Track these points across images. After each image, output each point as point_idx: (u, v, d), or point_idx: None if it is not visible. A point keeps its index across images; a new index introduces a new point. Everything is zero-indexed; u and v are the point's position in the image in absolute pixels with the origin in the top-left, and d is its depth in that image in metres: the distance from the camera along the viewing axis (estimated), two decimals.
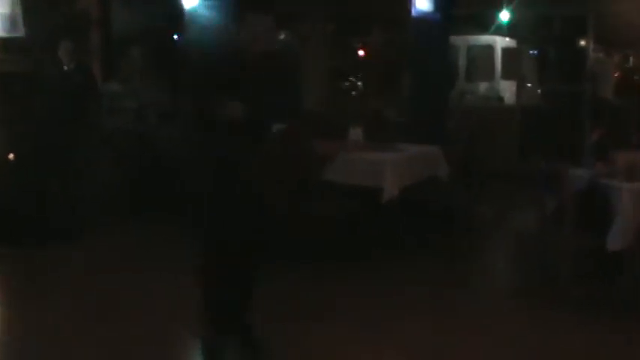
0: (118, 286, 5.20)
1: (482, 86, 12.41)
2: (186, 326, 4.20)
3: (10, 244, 6.12)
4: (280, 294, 4.91)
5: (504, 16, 11.35)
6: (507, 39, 12.55)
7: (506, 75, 12.37)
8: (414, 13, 9.03)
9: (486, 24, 11.86)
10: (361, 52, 11.04)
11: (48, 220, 6.42)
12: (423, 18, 8.63)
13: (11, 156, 6.66)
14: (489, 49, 12.41)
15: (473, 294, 5.25)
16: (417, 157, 6.25)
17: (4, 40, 7.32)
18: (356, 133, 6.27)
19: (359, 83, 10.66)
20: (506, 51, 12.49)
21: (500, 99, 12.09)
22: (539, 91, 12.59)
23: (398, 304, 4.89)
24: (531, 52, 13.07)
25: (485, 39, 12.40)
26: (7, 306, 5.06)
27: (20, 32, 7.45)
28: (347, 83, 10.60)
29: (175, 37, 9.34)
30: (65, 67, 7.35)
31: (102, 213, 7.06)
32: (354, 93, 10.01)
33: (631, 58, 12.97)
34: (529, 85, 12.65)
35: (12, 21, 7.43)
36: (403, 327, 4.45)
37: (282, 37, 10.44)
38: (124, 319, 4.56)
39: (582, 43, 11.60)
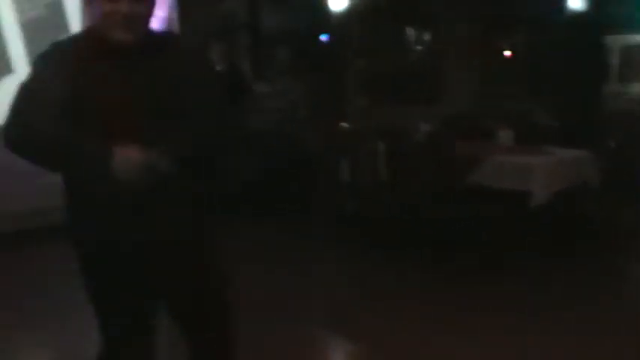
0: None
1: (637, 87, 11.85)
2: None
3: None
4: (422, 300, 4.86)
5: None
6: None
7: None
8: (564, 11, 8.80)
9: None
10: (509, 53, 10.79)
11: None
12: (574, 17, 8.37)
13: None
14: None
15: (619, 303, 5.02)
16: (568, 162, 6.05)
17: None
18: (505, 135, 6.16)
19: (507, 85, 10.44)
20: None
21: None
22: None
23: (539, 310, 4.74)
24: None
25: None
26: None
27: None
28: (493, 85, 10.41)
29: (321, 37, 9.47)
30: (218, 68, 7.61)
31: (245, 214, 7.25)
32: (501, 95, 9.82)
33: None
34: None
35: (169, 23, 7.79)
36: (547, 332, 4.32)
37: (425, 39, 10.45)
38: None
39: None
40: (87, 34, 2.52)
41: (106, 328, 2.63)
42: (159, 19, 7.68)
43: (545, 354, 4.08)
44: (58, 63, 2.39)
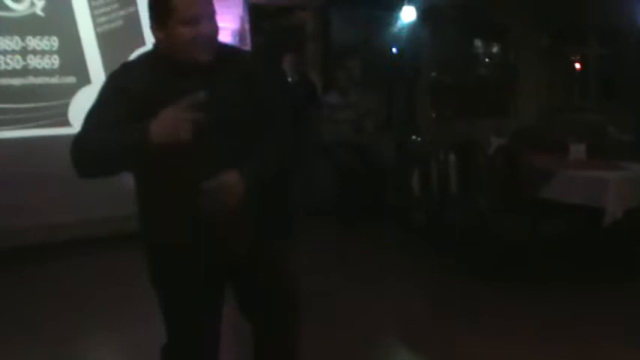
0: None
1: None
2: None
3: None
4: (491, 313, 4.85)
5: None
6: None
7: None
8: (637, 23, 8.64)
9: None
10: (579, 66, 10.65)
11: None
12: None
13: None
14: None
15: None
16: None
17: None
18: (578, 149, 6.07)
19: (578, 98, 10.31)
20: None
21: None
22: None
23: (612, 329, 4.65)
24: None
25: None
26: None
27: (247, 46, 7.95)
28: (564, 97, 10.29)
29: (393, 49, 9.50)
30: (289, 79, 7.72)
31: (316, 223, 7.33)
32: (573, 108, 9.71)
33: None
34: None
35: (241, 36, 7.94)
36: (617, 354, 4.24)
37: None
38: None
39: None
40: (160, 54, 2.51)
41: (174, 319, 2.69)
42: (231, 32, 7.85)
43: None
44: (130, 82, 2.44)
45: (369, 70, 8.60)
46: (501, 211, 5.68)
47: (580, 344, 4.34)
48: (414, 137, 7.85)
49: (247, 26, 8.05)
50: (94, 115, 2.41)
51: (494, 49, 10.77)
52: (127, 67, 2.57)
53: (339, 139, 7.71)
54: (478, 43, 10.60)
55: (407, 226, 6.88)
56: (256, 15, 8.28)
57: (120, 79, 2.48)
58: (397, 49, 9.28)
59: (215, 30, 2.48)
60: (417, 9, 8.73)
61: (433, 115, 9.81)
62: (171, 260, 2.58)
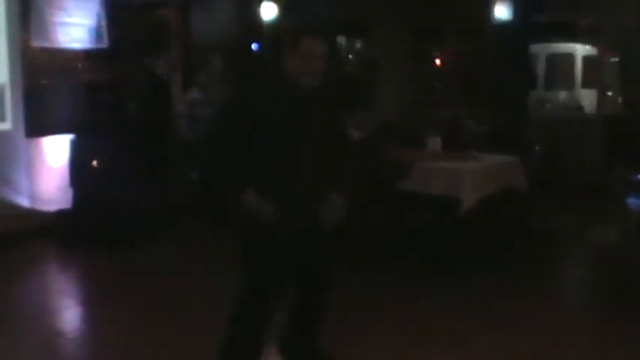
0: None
1: (562, 95, 12.18)
2: None
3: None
4: (356, 309, 4.89)
5: (583, 23, 11.15)
6: (588, 47, 12.31)
7: (587, 83, 12.12)
8: (492, 21, 8.97)
9: (567, 32, 11.65)
10: (438, 62, 10.98)
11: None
12: (502, 26, 8.56)
13: (95, 162, 6.86)
14: (569, 57, 12.19)
15: (549, 308, 5.12)
16: (496, 168, 6.14)
17: (90, 51, 7.56)
18: (434, 142, 6.23)
19: (437, 93, 10.61)
20: (586, 59, 12.25)
21: (580, 108, 11.84)
22: (619, 99, 12.30)
23: (471, 316, 4.80)
24: (612, 59, 12.79)
25: (565, 47, 12.19)
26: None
27: (105, 43, 7.69)
28: (425, 93, 10.57)
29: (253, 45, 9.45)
30: (147, 77, 7.53)
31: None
32: (432, 102, 9.98)
33: None
34: (609, 93, 12.37)
35: (98, 32, 7.66)
36: (477, 340, 4.37)
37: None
38: None
39: None
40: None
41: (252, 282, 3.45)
42: (87, 29, 7.56)
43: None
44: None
45: (230, 66, 8.50)
46: (364, 204, 5.73)
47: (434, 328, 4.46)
48: None
49: (104, 23, 7.76)
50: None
51: (357, 46, 10.92)
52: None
53: (198, 136, 7.56)
54: (340, 40, 10.72)
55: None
56: (115, 12, 7.97)
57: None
58: (258, 46, 9.24)
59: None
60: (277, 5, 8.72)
61: None
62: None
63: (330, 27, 9.13)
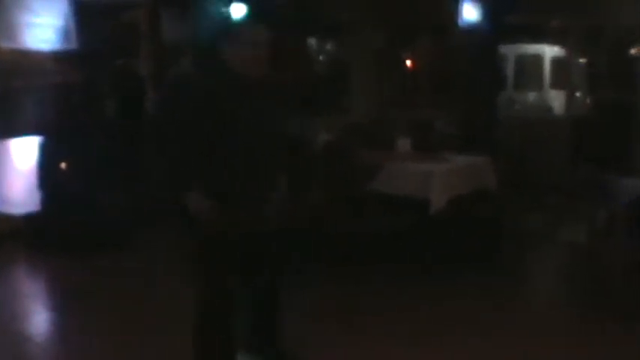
0: None
1: (531, 96, 12.30)
2: None
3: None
4: (323, 310, 4.88)
5: (552, 25, 11.26)
6: (556, 48, 12.43)
7: (555, 84, 12.24)
8: (461, 22, 9.02)
9: (536, 33, 11.75)
10: (409, 63, 11.00)
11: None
12: (471, 27, 8.60)
13: (63, 165, 6.81)
14: (538, 58, 12.32)
15: (522, 307, 5.16)
16: (466, 168, 6.17)
17: (58, 52, 7.48)
18: (404, 143, 6.25)
19: (407, 94, 10.64)
20: (555, 60, 12.38)
21: (549, 109, 11.97)
22: (588, 100, 12.43)
23: (445, 317, 4.82)
24: (580, 60, 12.93)
25: (534, 48, 12.32)
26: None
27: (73, 44, 7.61)
28: (394, 94, 10.58)
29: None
30: (117, 78, 7.48)
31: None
32: (402, 103, 10.00)
33: None
34: (578, 94, 12.50)
35: (66, 33, 7.58)
36: (451, 341, 4.40)
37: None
38: None
39: (633, 51, 11.40)
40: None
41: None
42: (55, 30, 7.48)
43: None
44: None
45: (199, 68, 8.45)
46: (334, 206, 5.72)
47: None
48: None
49: (73, 24, 7.67)
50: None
51: (327, 47, 10.91)
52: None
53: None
54: (311, 40, 10.70)
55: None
56: (83, 12, 7.88)
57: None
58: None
59: None
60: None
61: None
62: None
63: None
